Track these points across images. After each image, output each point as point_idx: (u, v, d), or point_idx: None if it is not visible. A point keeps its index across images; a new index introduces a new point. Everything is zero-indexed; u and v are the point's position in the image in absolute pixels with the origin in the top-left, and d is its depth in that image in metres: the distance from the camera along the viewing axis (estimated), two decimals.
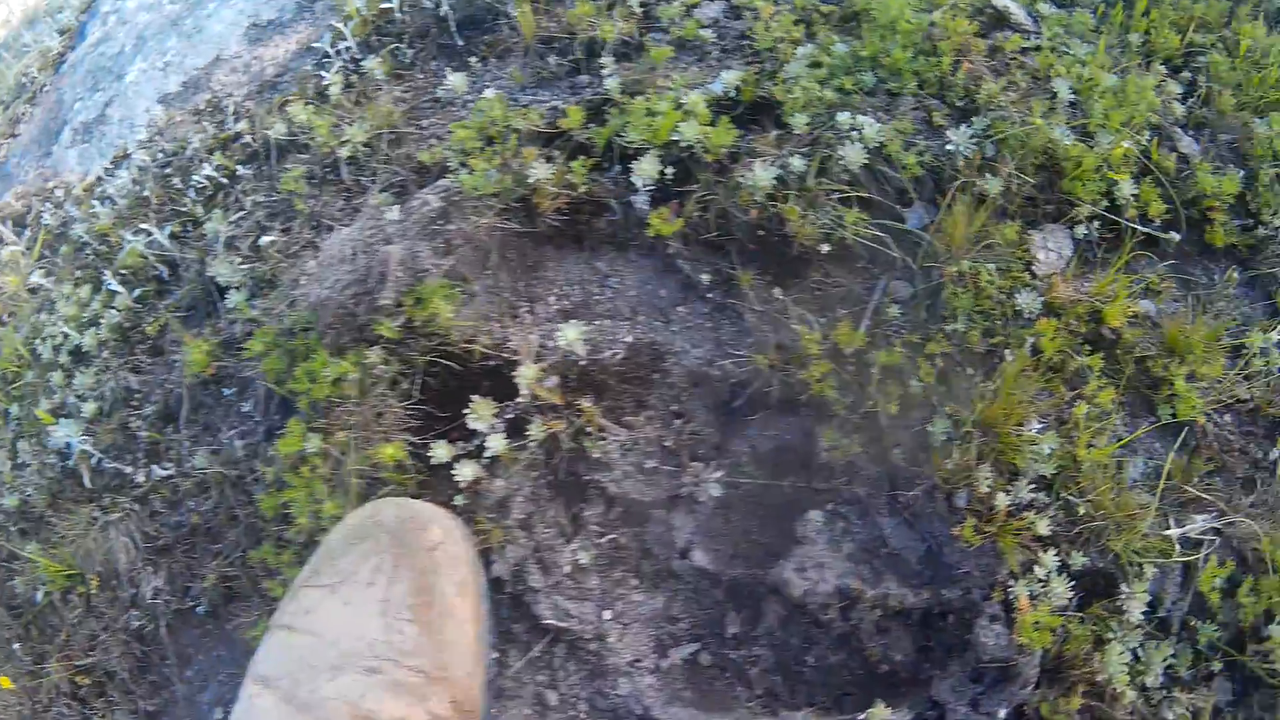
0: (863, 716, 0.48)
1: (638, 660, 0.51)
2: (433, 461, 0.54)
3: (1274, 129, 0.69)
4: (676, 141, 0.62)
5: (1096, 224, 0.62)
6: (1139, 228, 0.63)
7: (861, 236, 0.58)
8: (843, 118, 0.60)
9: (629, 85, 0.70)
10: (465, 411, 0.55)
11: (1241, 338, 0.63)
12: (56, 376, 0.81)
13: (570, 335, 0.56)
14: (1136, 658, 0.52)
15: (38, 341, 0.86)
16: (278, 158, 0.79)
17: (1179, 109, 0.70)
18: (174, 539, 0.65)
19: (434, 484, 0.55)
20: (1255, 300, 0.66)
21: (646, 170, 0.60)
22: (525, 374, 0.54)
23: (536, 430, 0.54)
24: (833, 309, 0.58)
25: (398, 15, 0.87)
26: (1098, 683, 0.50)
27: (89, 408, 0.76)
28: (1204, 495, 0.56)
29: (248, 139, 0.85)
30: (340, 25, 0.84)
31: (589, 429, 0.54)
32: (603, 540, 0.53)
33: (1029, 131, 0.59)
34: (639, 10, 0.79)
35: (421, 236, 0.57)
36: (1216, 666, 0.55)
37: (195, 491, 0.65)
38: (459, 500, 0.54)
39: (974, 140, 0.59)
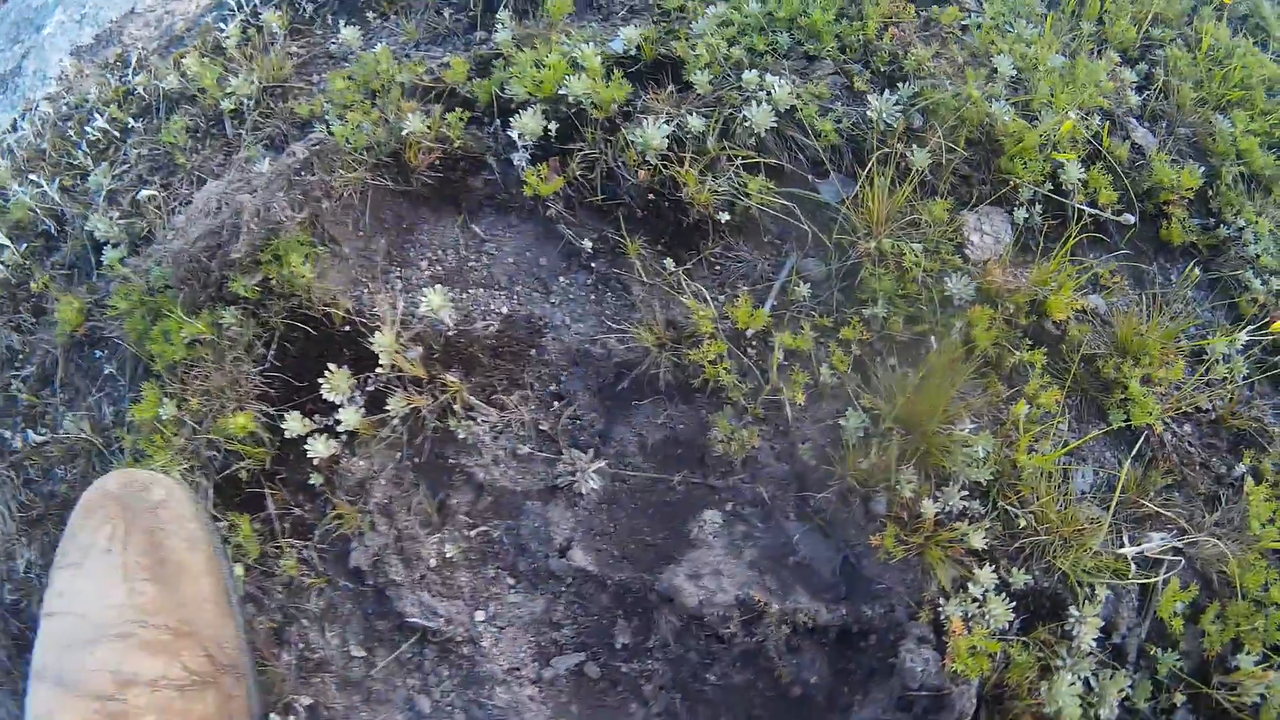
0: None
1: (516, 669, 0.43)
2: (286, 434, 0.46)
3: (1238, 127, 0.60)
4: (565, 96, 0.53)
5: (1039, 207, 0.53)
6: (1088, 210, 0.54)
7: (768, 207, 0.49)
8: (749, 76, 0.50)
9: (522, 39, 0.61)
10: (321, 381, 0.46)
11: (1202, 342, 0.55)
12: None
13: (435, 301, 0.47)
14: (1089, 687, 0.45)
15: None
16: (168, 111, 0.69)
17: (1134, 99, 0.61)
18: (46, 509, 0.57)
19: (289, 459, 0.47)
20: (1216, 303, 0.57)
21: (527, 125, 0.51)
22: (382, 341, 0.46)
23: (397, 405, 0.46)
24: (733, 285, 0.49)
25: None
26: (1044, 715, 0.42)
27: None
28: (1162, 511, 0.48)
29: (142, 91, 0.75)
30: None
31: (455, 406, 0.46)
32: (472, 533, 0.45)
33: (962, 102, 0.49)
34: None
35: (280, 188, 0.48)
36: (1179, 699, 0.48)
37: (65, 458, 0.57)
38: (315, 479, 0.46)
39: (899, 108, 0.50)
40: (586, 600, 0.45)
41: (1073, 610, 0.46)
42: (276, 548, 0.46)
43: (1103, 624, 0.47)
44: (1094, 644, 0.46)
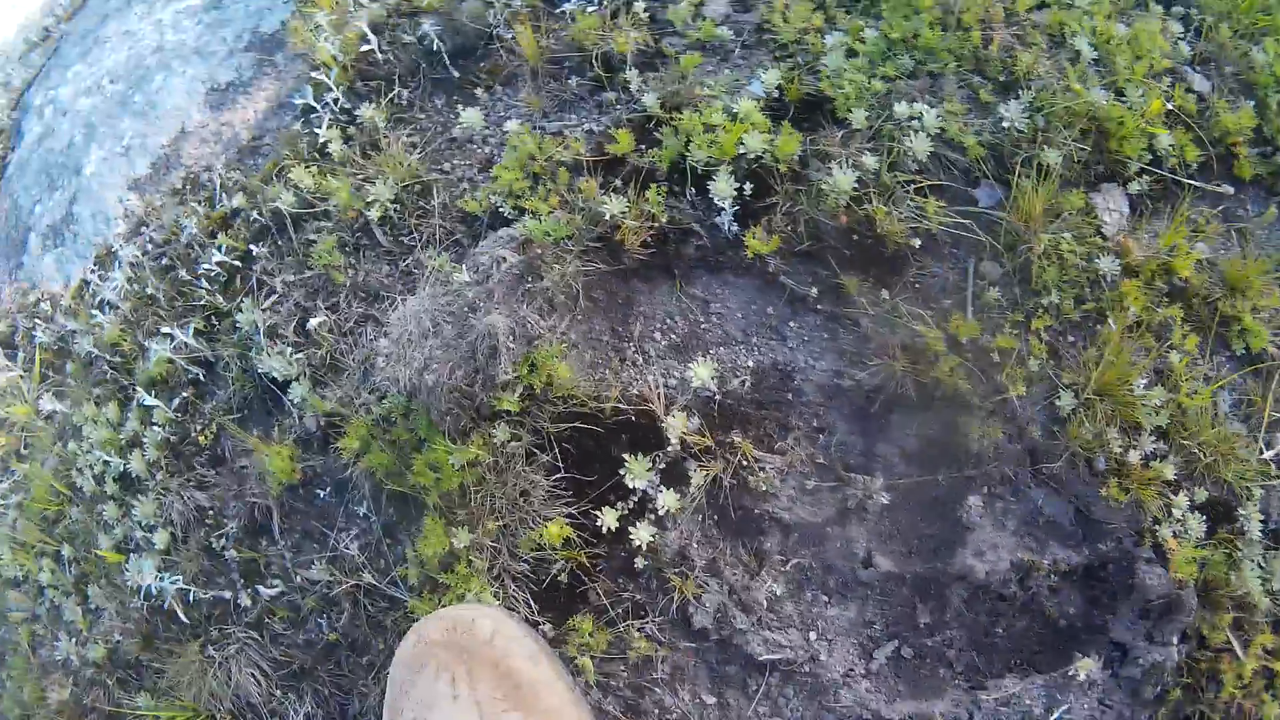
0: (1073, 670, 0.42)
1: (850, 670, 0.42)
2: (603, 529, 0.42)
3: (1270, 55, 0.63)
4: (743, 154, 0.49)
5: (1146, 178, 0.55)
6: (1192, 183, 0.57)
7: (944, 224, 0.49)
8: (900, 109, 0.49)
9: (667, 99, 0.56)
10: (620, 473, 0.43)
11: None
12: (109, 509, 0.61)
13: (703, 374, 0.44)
14: (1262, 569, 0.48)
15: (73, 473, 0.65)
16: (294, 229, 0.60)
17: (1185, 50, 0.63)
18: (310, 660, 0.50)
19: (604, 552, 0.43)
20: None
21: (723, 189, 0.48)
22: (673, 424, 0.43)
23: (696, 476, 0.43)
24: (937, 300, 0.49)
25: (379, 56, 0.68)
26: (1238, 597, 0.46)
27: (160, 537, 0.58)
28: None
29: (249, 213, 0.65)
30: (321, 76, 0.64)
31: (744, 462, 0.44)
32: (788, 567, 0.43)
33: (1071, 99, 0.50)
34: (645, 16, 0.64)
35: (517, 300, 0.43)
36: None
37: (321, 607, 0.50)
38: (639, 563, 0.43)
39: (1025, 114, 0.51)
40: (889, 595, 0.45)
41: (1240, 510, 0.50)
42: (618, 634, 0.43)
43: (1263, 517, 0.51)
44: (1259, 534, 0.51)
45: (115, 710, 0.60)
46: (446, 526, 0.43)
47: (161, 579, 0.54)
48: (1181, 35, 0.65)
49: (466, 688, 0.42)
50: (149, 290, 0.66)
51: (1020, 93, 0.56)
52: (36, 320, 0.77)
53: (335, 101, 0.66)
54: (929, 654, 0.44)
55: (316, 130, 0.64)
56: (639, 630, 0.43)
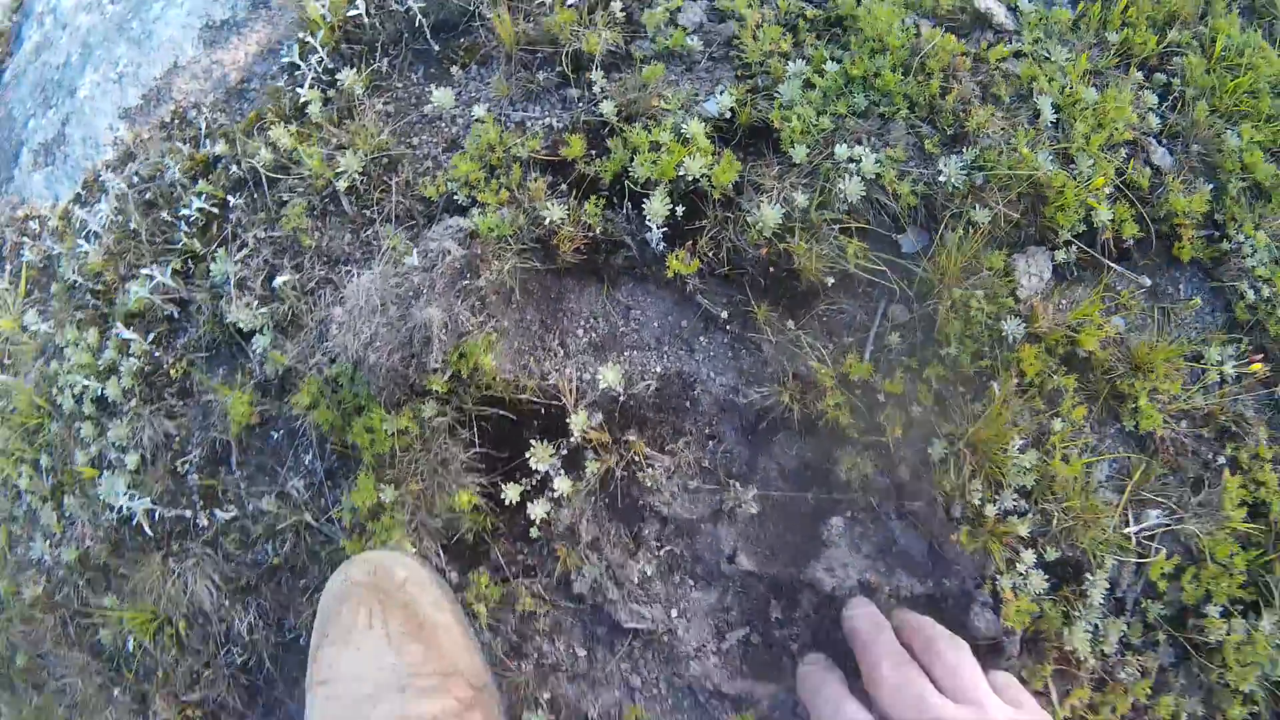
0: None
1: (702, 646, 0.56)
2: (505, 501, 0.55)
3: (1244, 141, 0.71)
4: (682, 176, 0.60)
5: (1074, 246, 0.64)
6: (1113, 266, 0.66)
7: (862, 267, 0.59)
8: (841, 150, 0.59)
9: (624, 107, 0.66)
10: (526, 455, 0.56)
11: (1200, 349, 0.68)
12: (86, 428, 0.76)
13: (611, 377, 0.56)
14: (1097, 630, 0.60)
15: (54, 391, 0.79)
16: (269, 186, 0.72)
17: (1154, 121, 0.71)
18: (256, 578, 0.65)
19: (506, 519, 0.56)
20: (1217, 311, 0.69)
21: (657, 209, 0.59)
22: (577, 421, 0.55)
23: (592, 466, 0.56)
24: (840, 336, 0.60)
25: (366, 21, 0.77)
26: (1066, 652, 0.58)
27: (131, 459, 0.72)
28: (1158, 497, 0.63)
29: (229, 164, 0.76)
30: (308, 37, 0.73)
31: (637, 458, 0.56)
32: (661, 553, 0.56)
33: (1015, 161, 0.59)
34: (621, 16, 0.72)
35: (455, 295, 0.55)
36: (1161, 637, 0.64)
37: (268, 535, 0.64)
38: (534, 532, 0.56)
39: (964, 171, 0.60)
40: (748, 589, 0.58)
41: (1088, 575, 0.62)
42: (509, 590, 0.56)
43: (1109, 585, 0.62)
44: (1102, 599, 0.61)
45: (83, 608, 0.76)
46: (376, 483, 0.57)
47: (131, 498, 0.68)
48: (1155, 107, 0.73)
49: (379, 621, 0.56)
50: (132, 225, 0.78)
51: (965, 149, 0.64)
52: (25, 238, 0.89)
53: (319, 62, 0.75)
54: (774, 644, 0.58)
55: (299, 89, 0.74)
56: (527, 589, 0.57)
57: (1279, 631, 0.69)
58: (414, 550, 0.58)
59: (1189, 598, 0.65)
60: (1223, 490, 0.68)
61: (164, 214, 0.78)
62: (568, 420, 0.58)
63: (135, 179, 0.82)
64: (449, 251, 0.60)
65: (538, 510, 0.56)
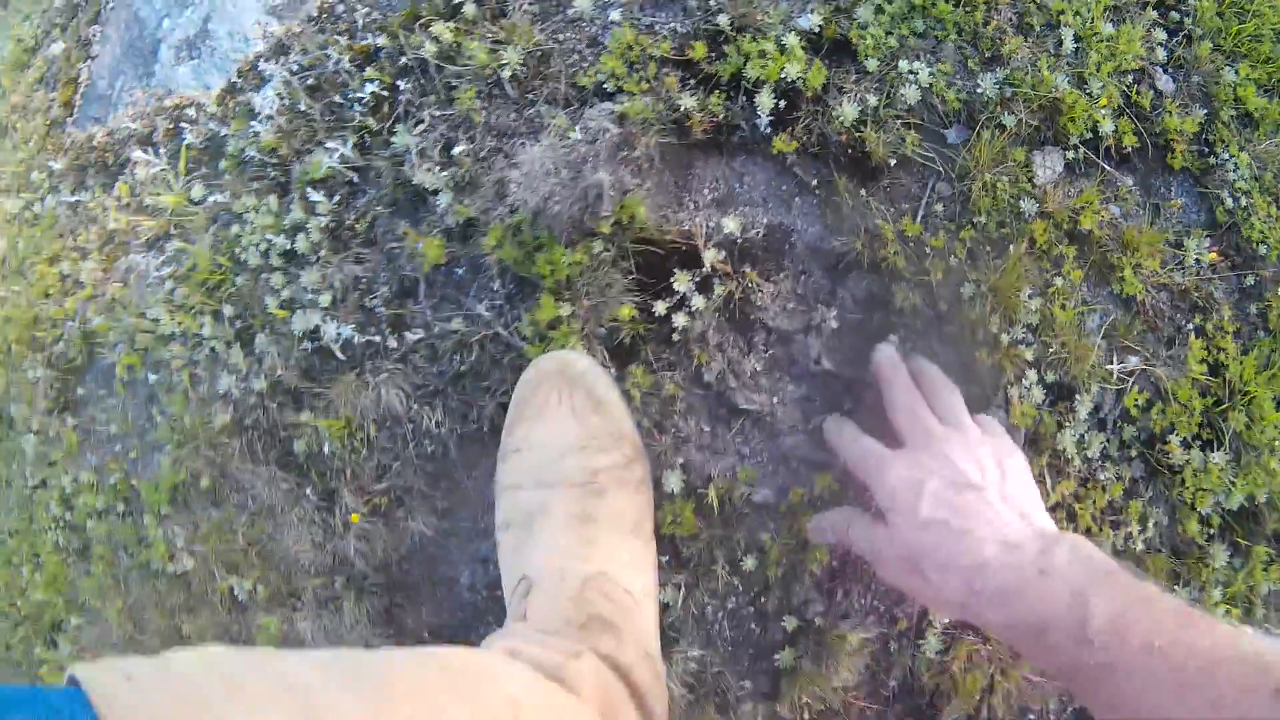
0: None
1: (794, 425, 0.92)
2: (655, 314, 0.87)
3: (1239, 77, 1.03)
4: (783, 78, 0.91)
5: (1082, 150, 0.97)
6: (1106, 167, 0.99)
7: (917, 153, 0.91)
8: (903, 64, 0.91)
9: (736, 19, 0.97)
10: (670, 280, 0.88)
11: (1184, 237, 1.02)
12: (276, 278, 1.06)
13: (730, 225, 0.89)
14: (1082, 439, 0.96)
15: (237, 250, 1.08)
16: (436, 72, 1.00)
17: (1161, 54, 1.03)
18: (443, 384, 0.96)
19: (655, 328, 0.89)
20: (1201, 211, 1.04)
21: (765, 103, 0.91)
22: (707, 256, 0.88)
23: (719, 289, 0.88)
24: (899, 203, 0.94)
25: None
26: (1058, 450, 0.94)
27: (324, 298, 1.02)
28: (1136, 346, 0.98)
29: (393, 54, 1.03)
30: None
31: (750, 285, 0.89)
32: (767, 354, 0.90)
33: (1038, 81, 0.91)
34: None
35: (618, 163, 0.86)
36: (1133, 453, 1.00)
37: (455, 349, 0.96)
38: (675, 337, 0.89)
39: (997, 85, 0.92)
40: (828, 386, 0.94)
41: (1078, 397, 0.98)
42: (656, 380, 0.90)
43: (1094, 405, 0.98)
44: (1087, 415, 0.98)
45: (273, 429, 1.07)
46: (555, 301, 0.88)
47: (326, 323, 0.98)
48: (1164, 42, 1.06)
49: (568, 399, 0.89)
50: (301, 107, 1.06)
51: (999, 69, 0.96)
52: (182, 123, 1.16)
53: None
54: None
55: None
56: (669, 379, 0.91)
57: (1229, 468, 1.05)
58: (584, 352, 0.90)
59: (1156, 426, 1.04)
60: (1189, 349, 1.04)
61: (334, 97, 1.06)
62: (701, 255, 0.90)
63: (295, 67, 1.09)
64: (608, 129, 0.91)
65: (679, 320, 0.89)
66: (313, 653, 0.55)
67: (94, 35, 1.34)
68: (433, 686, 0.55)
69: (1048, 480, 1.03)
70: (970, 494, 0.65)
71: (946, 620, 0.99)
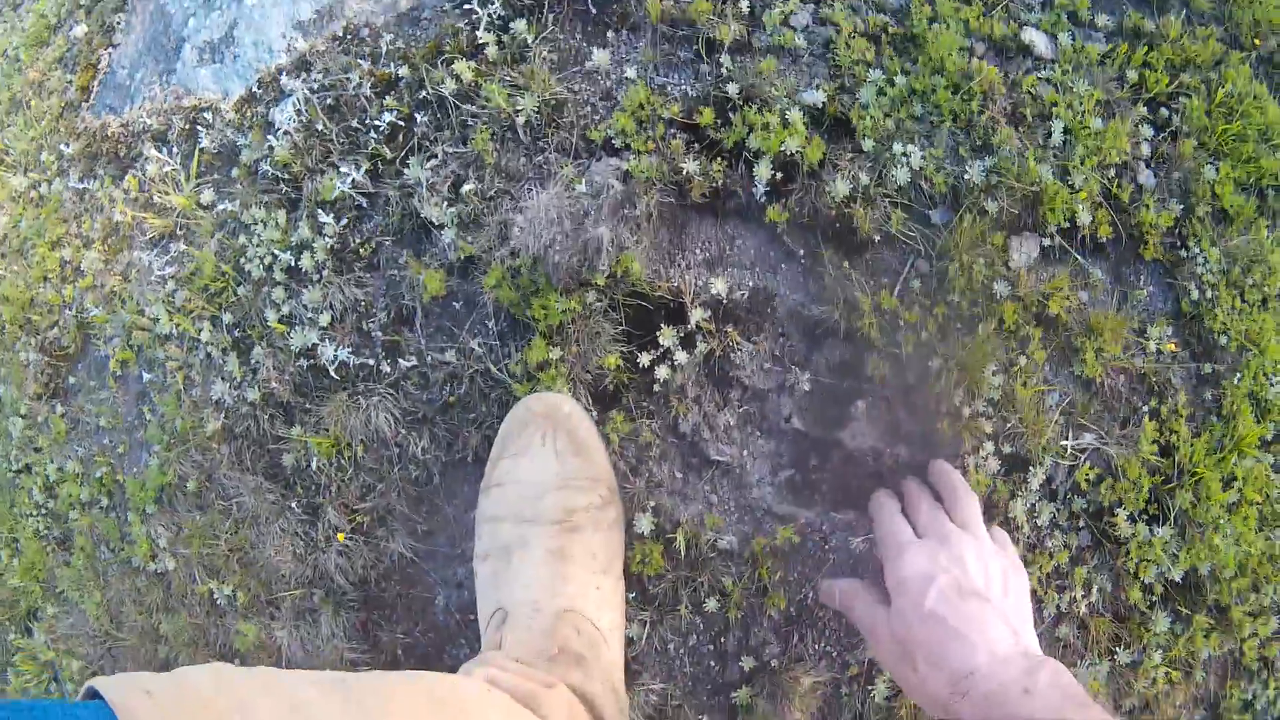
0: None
1: (761, 479, 1.00)
2: (639, 364, 0.96)
3: (1219, 175, 1.13)
4: (783, 150, 1.00)
5: (1059, 237, 1.06)
6: (1079, 258, 1.09)
7: (901, 231, 1.01)
8: (897, 147, 1.00)
9: (744, 89, 1.06)
10: (657, 334, 0.97)
11: (1148, 325, 1.11)
12: (278, 292, 1.13)
13: (718, 285, 0.98)
14: (1033, 508, 1.05)
15: (241, 260, 1.15)
16: (453, 110, 1.08)
17: (1146, 149, 1.12)
18: (432, 412, 1.05)
19: (638, 378, 0.98)
20: (1169, 301, 1.14)
21: (763, 173, 1.00)
22: (695, 314, 0.97)
23: (701, 346, 0.97)
24: (879, 276, 1.03)
25: None
26: (1009, 518, 1.03)
27: (323, 317, 1.10)
28: (1092, 425, 1.08)
29: (413, 85, 1.11)
30: None
31: (731, 344, 0.98)
32: (740, 410, 0.99)
33: (1023, 171, 1.01)
34: (746, 11, 1.10)
35: (619, 220, 0.95)
36: (1081, 523, 1.11)
37: (446, 380, 1.04)
38: (656, 388, 0.97)
39: (984, 173, 1.01)
40: (797, 444, 1.03)
41: (1032, 469, 1.08)
42: (635, 427, 0.99)
43: (1047, 477, 1.08)
44: (1039, 487, 1.09)
45: (263, 439, 1.15)
46: (547, 345, 0.97)
47: (324, 343, 1.06)
48: (1150, 138, 1.17)
49: (551, 440, 0.97)
50: (319, 126, 1.13)
51: (987, 156, 1.06)
52: (198, 126, 1.23)
53: (493, 11, 1.11)
54: (810, 484, 1.02)
55: (476, 30, 1.10)
56: (647, 427, 1.00)
57: (1173, 542, 1.15)
58: (569, 395, 0.98)
59: (1105, 500, 1.13)
60: (1142, 430, 1.13)
61: (351, 121, 1.14)
62: (687, 312, 0.99)
63: (316, 85, 1.17)
64: (613, 185, 1.00)
65: (661, 372, 0.99)
66: (312, 674, 0.61)
67: (119, 23, 1.41)
68: (424, 715, 0.61)
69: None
70: (974, 601, 0.71)
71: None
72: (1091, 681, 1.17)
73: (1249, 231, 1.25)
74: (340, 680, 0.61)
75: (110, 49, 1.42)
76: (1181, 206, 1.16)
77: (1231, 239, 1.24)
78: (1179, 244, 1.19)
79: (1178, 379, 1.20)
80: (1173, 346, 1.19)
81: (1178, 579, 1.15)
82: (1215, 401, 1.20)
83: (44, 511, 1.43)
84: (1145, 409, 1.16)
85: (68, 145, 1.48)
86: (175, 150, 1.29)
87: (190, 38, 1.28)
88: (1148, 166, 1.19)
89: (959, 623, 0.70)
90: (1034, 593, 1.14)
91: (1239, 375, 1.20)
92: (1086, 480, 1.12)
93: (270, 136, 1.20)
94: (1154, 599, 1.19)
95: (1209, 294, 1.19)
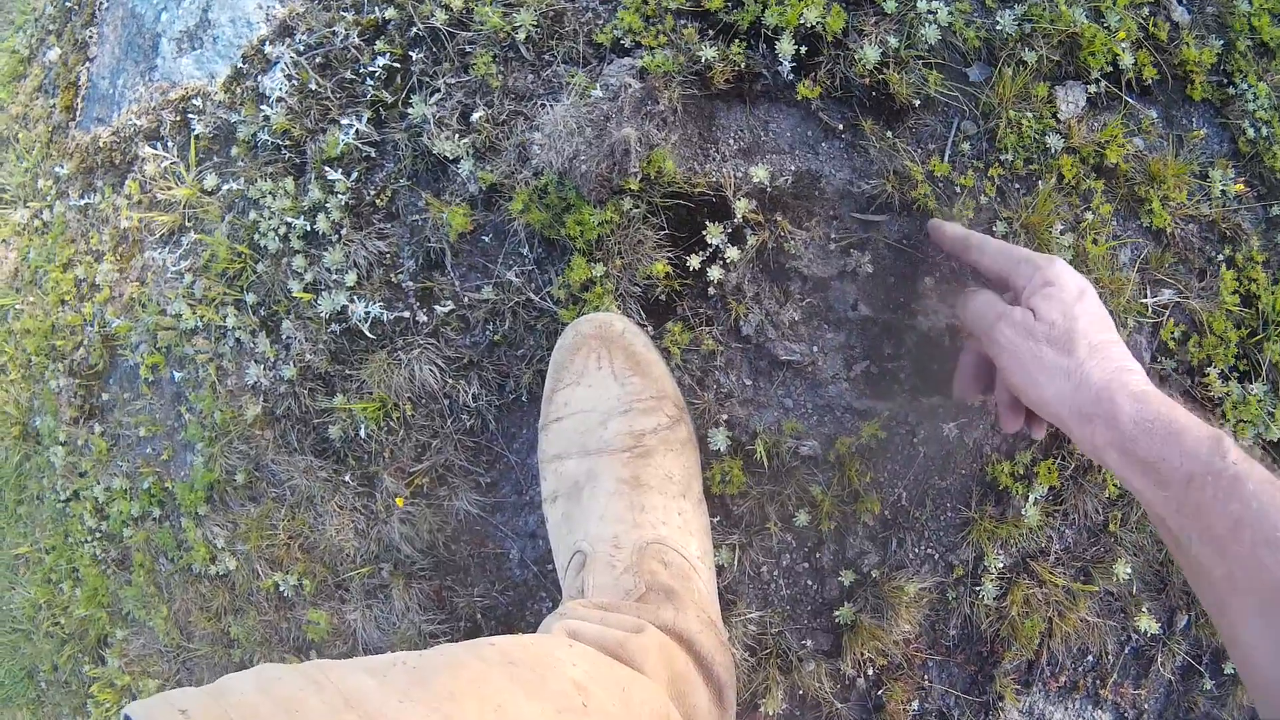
0: (975, 402, 0.88)
1: (836, 374, 0.90)
2: (689, 268, 0.86)
3: (1254, 6, 1.02)
4: (803, 23, 0.88)
5: (1103, 84, 0.95)
6: (1129, 100, 0.98)
7: (940, 92, 0.89)
8: (921, 4, 0.90)
9: None
10: (702, 233, 0.86)
11: (1208, 168, 1.00)
12: (298, 260, 1.04)
13: (759, 174, 0.87)
14: None
15: (255, 237, 1.06)
16: (448, 40, 0.98)
17: None
18: (477, 355, 0.95)
19: (689, 283, 0.87)
20: (1224, 142, 1.04)
21: (786, 49, 0.89)
22: (738, 206, 0.86)
23: (751, 239, 0.86)
24: (925, 143, 0.92)
25: None
26: None
27: (349, 277, 1.01)
28: (1170, 279, 0.97)
29: (402, 25, 1.01)
30: None
31: (783, 233, 0.87)
32: (804, 303, 0.89)
33: (1056, 16, 0.89)
34: None
35: (643, 118, 0.84)
36: (1173, 388, 1.02)
37: (486, 319, 0.94)
38: (711, 291, 0.87)
39: (1015, 22, 0.90)
40: (867, 331, 0.92)
41: (1117, 330, 0.96)
42: (695, 336, 0.88)
43: (1131, 340, 0.96)
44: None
45: (305, 416, 1.05)
46: (588, 262, 0.86)
47: (354, 302, 0.96)
48: None
49: (607, 362, 0.87)
50: (312, 86, 1.04)
51: (1016, 5, 0.94)
52: (189, 115, 1.14)
53: None
54: (887, 373, 0.91)
55: None
56: (708, 334, 0.89)
57: (1268, 399, 1.04)
58: (620, 311, 0.88)
59: (1194, 359, 1.03)
60: (1221, 280, 1.02)
61: (345, 73, 1.04)
62: (731, 206, 0.88)
63: (302, 47, 1.07)
64: (630, 84, 0.89)
65: (714, 273, 0.88)
66: (368, 660, 0.53)
67: (90, 37, 1.32)
68: (497, 683, 0.54)
69: None
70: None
71: (1001, 565, 0.98)
72: None
73: None
74: (400, 662, 0.54)
75: (87, 64, 1.33)
76: (1221, 42, 1.05)
77: (1277, 72, 1.12)
78: (1226, 81, 1.08)
79: (1248, 223, 1.09)
80: (1240, 187, 1.08)
81: (1275, 439, 1.04)
82: None
83: (98, 535, 1.36)
84: (1220, 258, 1.05)
85: (62, 166, 1.40)
86: (170, 144, 1.20)
87: (165, 31, 1.19)
88: (1179, 3, 1.07)
89: (1107, 337, 0.67)
90: None
91: None
92: (1173, 339, 1.01)
93: (264, 107, 1.11)
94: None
95: (1264, 131, 1.07)
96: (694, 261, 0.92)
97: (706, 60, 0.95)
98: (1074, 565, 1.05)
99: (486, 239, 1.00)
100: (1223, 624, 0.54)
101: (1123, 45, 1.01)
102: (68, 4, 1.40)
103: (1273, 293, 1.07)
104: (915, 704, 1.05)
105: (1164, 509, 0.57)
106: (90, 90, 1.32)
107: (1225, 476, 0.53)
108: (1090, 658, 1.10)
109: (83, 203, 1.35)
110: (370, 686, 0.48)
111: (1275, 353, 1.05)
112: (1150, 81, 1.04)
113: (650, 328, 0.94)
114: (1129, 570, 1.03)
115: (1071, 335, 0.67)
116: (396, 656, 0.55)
